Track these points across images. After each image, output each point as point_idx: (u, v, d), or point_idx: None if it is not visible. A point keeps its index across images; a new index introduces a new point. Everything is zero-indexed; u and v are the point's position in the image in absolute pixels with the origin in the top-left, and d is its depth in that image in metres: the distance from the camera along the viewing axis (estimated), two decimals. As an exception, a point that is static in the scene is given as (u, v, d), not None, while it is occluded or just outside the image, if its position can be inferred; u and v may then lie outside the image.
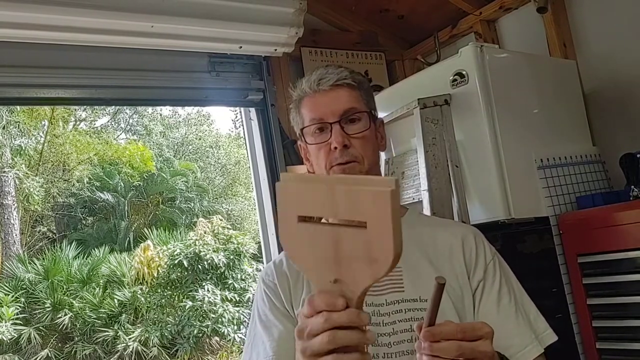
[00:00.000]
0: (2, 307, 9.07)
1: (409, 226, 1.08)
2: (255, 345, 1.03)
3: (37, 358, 9.08)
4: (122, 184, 12.45)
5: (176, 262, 9.18)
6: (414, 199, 1.90)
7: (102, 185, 12.54)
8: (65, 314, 9.24)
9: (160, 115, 15.30)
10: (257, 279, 1.19)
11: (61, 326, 9.27)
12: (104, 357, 9.22)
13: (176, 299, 9.34)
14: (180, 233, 10.67)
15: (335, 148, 1.01)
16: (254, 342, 1.04)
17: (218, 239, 9.47)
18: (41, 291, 9.48)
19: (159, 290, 9.39)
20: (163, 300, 9.33)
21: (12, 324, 9.00)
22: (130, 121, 15.13)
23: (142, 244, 9.89)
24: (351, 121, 1.04)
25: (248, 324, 1.11)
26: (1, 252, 10.57)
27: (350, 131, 1.03)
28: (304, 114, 1.07)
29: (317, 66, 1.11)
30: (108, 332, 9.17)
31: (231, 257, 9.33)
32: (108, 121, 14.93)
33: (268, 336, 1.01)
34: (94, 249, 10.60)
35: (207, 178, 14.45)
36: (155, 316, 9.28)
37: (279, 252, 2.43)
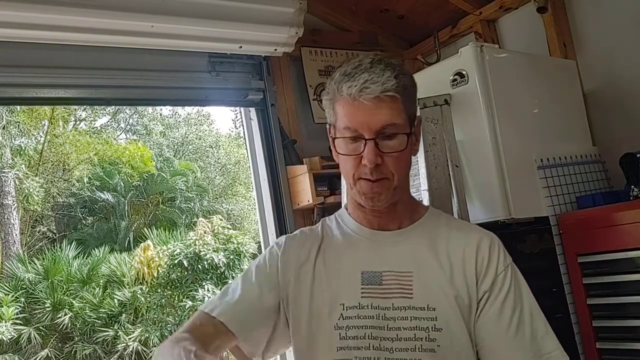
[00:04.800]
0: (2, 307, 9.07)
1: (426, 229, 1.06)
2: (225, 292, 1.07)
3: (37, 358, 9.07)
4: (122, 183, 12.44)
5: (176, 262, 9.17)
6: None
7: (102, 185, 12.53)
8: (65, 314, 9.23)
9: (160, 115, 15.29)
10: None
11: (61, 326, 9.26)
12: (104, 357, 9.22)
13: (176, 298, 9.33)
14: (180, 233, 10.66)
15: (366, 165, 0.96)
16: (229, 288, 1.08)
17: (218, 238, 9.46)
18: (41, 291, 9.47)
19: (159, 290, 9.38)
20: (163, 300, 9.32)
21: (12, 324, 8.99)
22: (130, 121, 15.12)
23: (142, 244, 9.88)
24: (388, 137, 0.96)
25: None
26: (1, 252, 10.57)
27: (384, 148, 0.96)
28: (339, 114, 1.00)
29: (362, 60, 0.97)
30: (108, 332, 9.16)
31: (231, 257, 9.32)
32: (108, 121, 14.93)
33: (232, 295, 1.05)
34: (94, 249, 10.58)
35: (207, 178, 14.44)
36: (155, 316, 9.27)
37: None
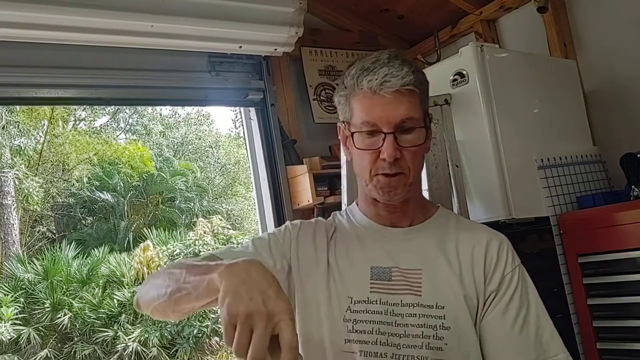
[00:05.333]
0: (2, 307, 9.06)
1: (436, 228, 1.06)
2: (232, 246, 1.08)
3: (36, 358, 9.07)
4: (121, 183, 12.44)
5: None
6: (414, 199, 1.90)
7: (102, 185, 12.53)
8: (65, 314, 9.23)
9: (160, 115, 15.29)
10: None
11: (61, 326, 9.26)
12: (104, 357, 9.21)
13: (176, 299, 9.33)
14: (180, 233, 10.67)
15: (385, 159, 0.96)
16: (237, 245, 1.08)
17: (218, 239, 9.47)
18: (41, 291, 9.47)
19: (159, 290, 9.38)
20: (163, 300, 9.31)
21: (11, 324, 8.99)
22: (130, 121, 15.11)
23: (141, 244, 9.89)
24: (406, 131, 0.97)
25: None
26: (1, 252, 10.56)
27: (403, 142, 0.96)
28: (356, 110, 0.99)
29: (379, 56, 0.98)
30: (108, 332, 9.16)
31: (231, 257, 9.32)
32: (108, 121, 14.92)
33: (242, 248, 1.05)
34: (94, 249, 10.58)
35: (207, 178, 14.43)
36: (155, 316, 9.27)
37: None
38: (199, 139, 15.40)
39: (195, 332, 8.90)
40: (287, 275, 1.04)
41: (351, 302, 0.99)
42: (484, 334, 0.98)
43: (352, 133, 1.00)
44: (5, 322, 8.91)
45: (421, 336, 0.94)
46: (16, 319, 9.14)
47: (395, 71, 0.95)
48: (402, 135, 0.96)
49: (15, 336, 8.95)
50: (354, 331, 0.97)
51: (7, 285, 9.62)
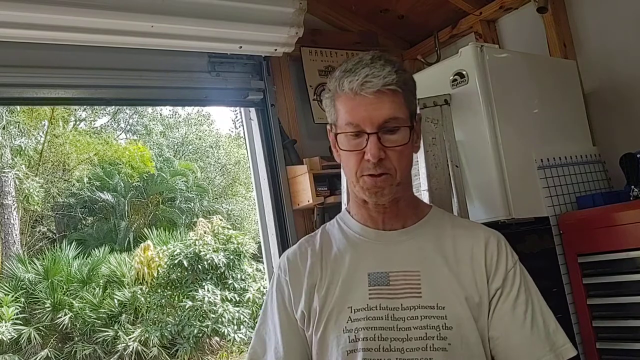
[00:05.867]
0: (2, 307, 9.06)
1: (431, 228, 1.06)
2: (269, 338, 1.07)
3: (37, 358, 9.06)
4: (122, 184, 12.43)
5: (176, 262, 9.17)
6: (414, 199, 1.89)
7: (102, 185, 12.52)
8: (65, 314, 9.23)
9: (160, 115, 15.28)
10: (273, 270, 1.20)
11: (61, 326, 9.25)
12: (104, 357, 9.21)
13: (176, 299, 9.34)
14: (180, 233, 10.66)
15: (369, 160, 0.96)
16: (267, 335, 1.08)
17: (218, 239, 9.46)
18: (41, 291, 9.47)
19: (159, 290, 9.38)
20: (163, 300, 9.32)
21: (12, 324, 8.98)
22: (130, 121, 15.11)
23: (142, 244, 9.88)
24: (390, 131, 0.97)
25: (262, 306, 1.15)
26: (1, 252, 10.56)
27: (387, 143, 0.96)
28: (340, 111, 1.00)
29: (362, 57, 0.99)
30: (108, 332, 9.16)
31: (231, 257, 9.32)
32: (108, 121, 14.92)
33: (279, 337, 1.06)
34: (94, 249, 10.57)
35: (207, 178, 14.42)
36: (155, 316, 9.27)
37: (279, 253, 2.43)
38: (199, 139, 15.39)
39: (195, 332, 8.89)
40: (302, 319, 1.05)
41: (351, 312, 0.99)
42: (494, 331, 0.99)
43: (337, 134, 1.01)
44: (5, 322, 8.91)
45: (425, 338, 0.95)
46: (17, 318, 9.13)
47: (377, 71, 0.95)
48: (386, 135, 0.96)
49: (16, 336, 8.95)
50: (357, 340, 0.97)
51: (7, 285, 9.62)
